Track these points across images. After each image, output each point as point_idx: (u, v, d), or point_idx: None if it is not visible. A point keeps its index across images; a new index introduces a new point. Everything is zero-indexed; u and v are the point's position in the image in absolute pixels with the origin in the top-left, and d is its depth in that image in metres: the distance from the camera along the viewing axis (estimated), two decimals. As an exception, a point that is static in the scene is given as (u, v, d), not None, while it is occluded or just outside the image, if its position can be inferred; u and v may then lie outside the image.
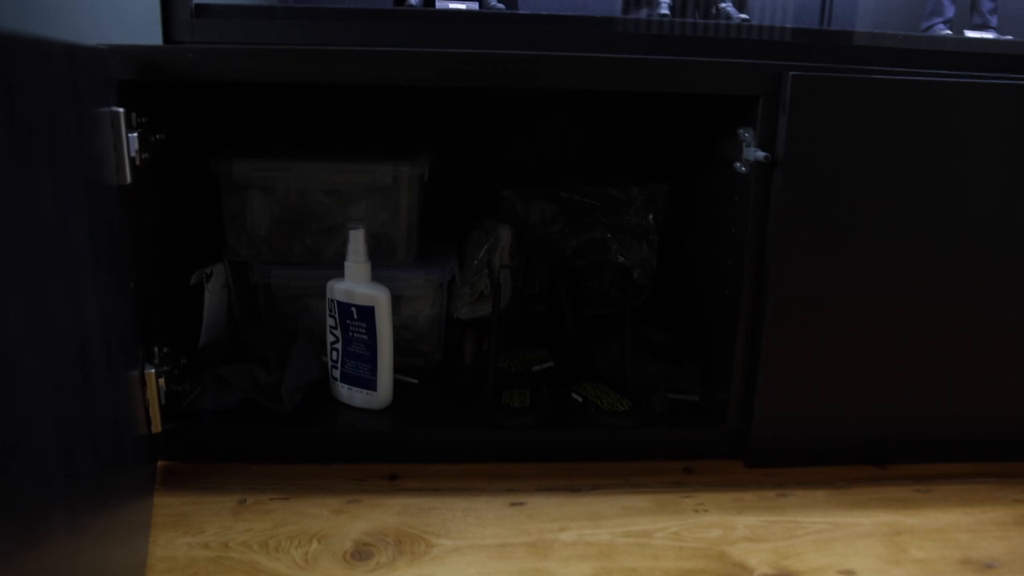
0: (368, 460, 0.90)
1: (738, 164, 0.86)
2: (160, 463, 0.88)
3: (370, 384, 0.92)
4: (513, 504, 0.83)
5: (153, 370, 0.81)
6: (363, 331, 0.91)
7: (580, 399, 0.94)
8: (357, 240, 0.90)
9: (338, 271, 0.92)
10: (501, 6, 0.91)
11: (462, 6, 0.93)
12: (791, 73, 0.79)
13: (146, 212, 0.84)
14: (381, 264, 0.97)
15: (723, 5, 0.90)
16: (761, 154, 0.80)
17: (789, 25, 0.86)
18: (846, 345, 0.87)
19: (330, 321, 0.93)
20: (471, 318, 1.07)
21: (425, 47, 0.81)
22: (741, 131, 0.85)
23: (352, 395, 0.94)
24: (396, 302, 1.01)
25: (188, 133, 0.99)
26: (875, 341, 0.87)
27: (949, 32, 1.03)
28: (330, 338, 0.94)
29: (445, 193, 1.21)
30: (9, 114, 0.47)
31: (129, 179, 0.75)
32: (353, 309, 0.91)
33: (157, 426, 0.82)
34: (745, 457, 0.92)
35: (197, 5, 0.80)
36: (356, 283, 0.91)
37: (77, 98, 0.61)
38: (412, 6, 0.91)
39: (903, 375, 0.89)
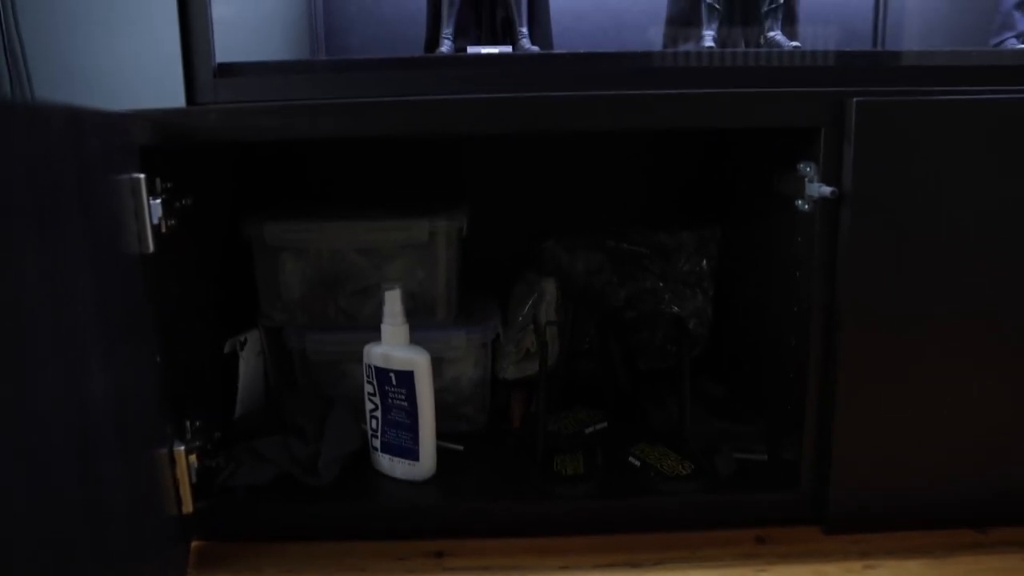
0: (412, 536, 0.83)
1: (800, 202, 0.79)
2: (194, 543, 0.83)
3: (412, 454, 0.86)
4: (570, 583, 0.76)
5: (183, 447, 0.76)
6: (403, 397, 0.85)
7: (638, 463, 0.87)
8: (393, 301, 0.86)
9: (375, 334, 0.87)
10: (535, 48, 0.87)
11: (495, 50, 0.89)
12: (855, 100, 0.73)
13: (173, 280, 0.80)
14: (420, 324, 0.92)
15: (772, 34, 0.86)
16: (827, 189, 0.73)
17: (844, 50, 0.80)
18: (932, 393, 0.79)
19: (368, 388, 0.88)
20: (517, 378, 1.01)
21: (458, 94, 0.77)
22: (802, 166, 0.79)
23: (393, 466, 0.88)
24: (437, 364, 0.96)
25: (219, 196, 0.96)
26: (965, 388, 0.79)
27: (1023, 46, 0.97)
28: (368, 405, 0.89)
29: (486, 244, 1.16)
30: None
31: (152, 248, 0.72)
32: (391, 374, 0.85)
33: (188, 506, 0.77)
34: (824, 523, 0.83)
35: (220, 65, 0.77)
36: (393, 347, 0.86)
37: (83, 165, 0.57)
38: (444, 53, 0.87)
39: (1001, 425, 0.80)
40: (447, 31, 0.92)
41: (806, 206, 0.78)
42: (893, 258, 0.76)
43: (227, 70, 0.78)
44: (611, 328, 1.01)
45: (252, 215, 0.94)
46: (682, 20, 0.93)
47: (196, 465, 0.78)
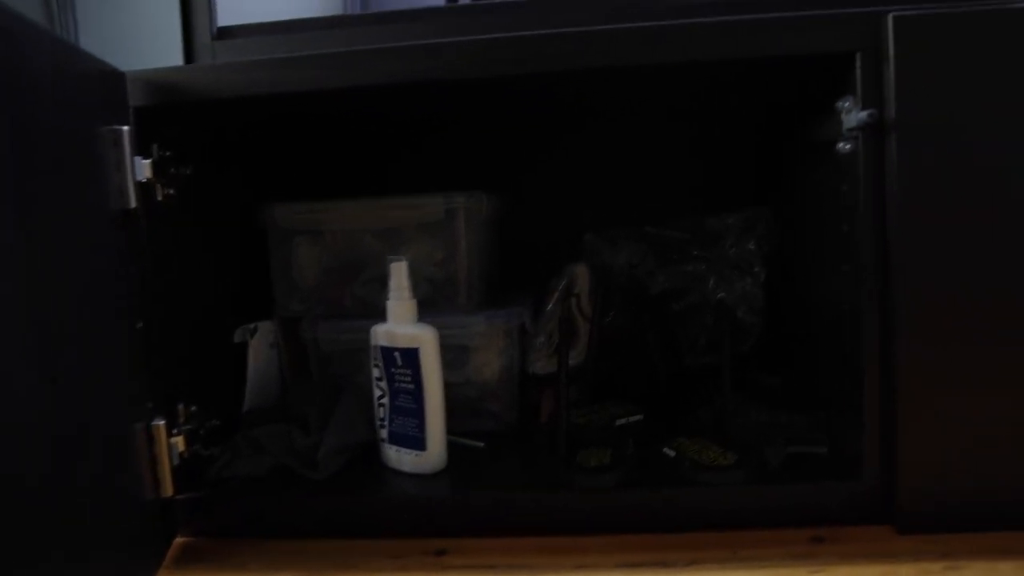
0: (414, 534, 0.75)
1: (841, 144, 0.69)
2: (178, 540, 0.76)
3: (419, 443, 0.79)
4: (582, 581, 0.65)
5: (163, 422, 0.71)
6: (408, 379, 0.78)
7: (673, 453, 0.76)
8: (399, 274, 0.80)
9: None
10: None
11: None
12: (892, 15, 0.64)
13: (172, 253, 0.77)
14: (439, 311, 0.86)
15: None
16: (864, 113, 0.64)
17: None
18: (1017, 365, 0.66)
19: (375, 372, 0.82)
20: (549, 372, 0.92)
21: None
22: (839, 103, 0.69)
23: (400, 458, 0.80)
24: (459, 354, 0.89)
25: (232, 179, 0.93)
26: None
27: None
28: (376, 392, 0.82)
29: (525, 242, 1.09)
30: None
31: (134, 203, 0.69)
32: (396, 354, 0.79)
33: (167, 489, 0.72)
34: (895, 520, 0.69)
35: (220, 28, 0.76)
36: (398, 323, 0.79)
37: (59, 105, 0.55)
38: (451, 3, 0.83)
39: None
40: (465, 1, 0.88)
41: (847, 145, 0.68)
42: (954, 196, 0.65)
43: (227, 33, 0.76)
44: (648, 316, 0.91)
45: (265, 198, 0.91)
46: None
47: (181, 448, 0.73)
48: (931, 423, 0.67)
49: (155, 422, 0.71)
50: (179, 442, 0.73)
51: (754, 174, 1.08)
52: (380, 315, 0.82)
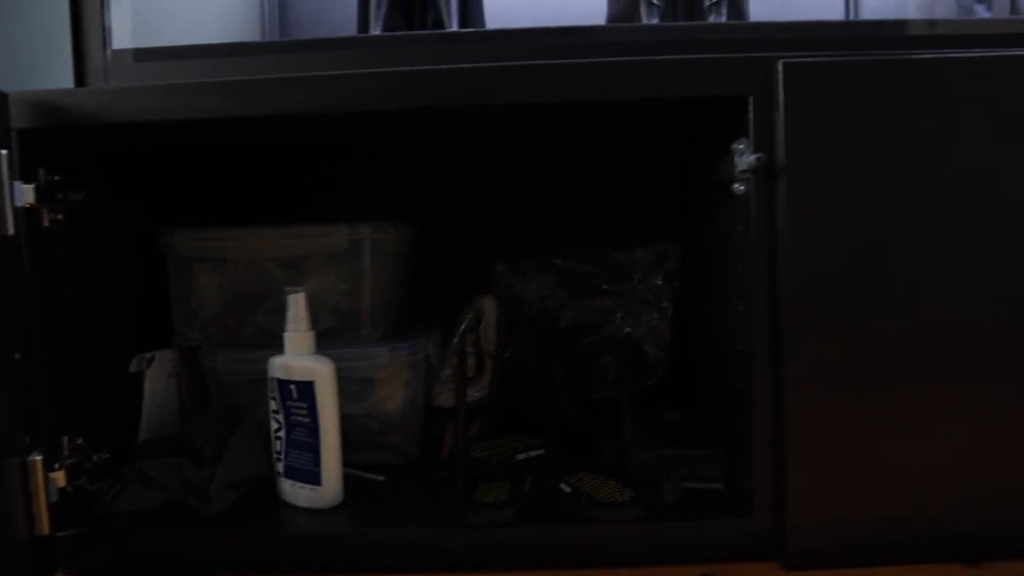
0: (308, 570, 0.73)
1: (736, 185, 0.71)
2: (60, 577, 0.73)
3: (314, 478, 0.77)
4: (470, 621, 0.64)
5: (39, 458, 0.68)
6: (304, 412, 0.77)
7: (569, 489, 0.76)
8: (297, 305, 0.78)
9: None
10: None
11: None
12: (781, 62, 0.65)
13: (60, 279, 0.74)
14: (344, 342, 0.85)
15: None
16: (753, 157, 0.65)
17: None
18: (908, 407, 0.67)
19: (272, 404, 0.80)
20: (454, 406, 0.91)
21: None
22: (734, 145, 0.70)
23: (296, 492, 0.78)
24: (363, 385, 0.88)
25: (130, 205, 0.90)
26: (946, 398, 0.67)
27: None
28: (273, 425, 0.80)
29: (441, 275, 1.08)
30: None
31: (11, 230, 0.66)
32: (292, 387, 0.77)
33: (43, 527, 0.69)
34: (782, 557, 0.70)
35: (115, 50, 0.74)
36: (295, 355, 0.78)
37: None
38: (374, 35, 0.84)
39: (994, 445, 0.68)
40: (375, 33, 0.88)
41: (741, 187, 0.70)
42: (840, 239, 0.66)
43: (128, 56, 0.75)
44: (555, 348, 0.91)
45: (168, 223, 0.89)
46: (622, 19, 0.88)
47: (62, 484, 0.70)
48: (820, 462, 0.68)
49: (31, 457, 0.68)
50: (59, 477, 0.70)
51: (672, 210, 1.10)
52: (281, 346, 0.80)
